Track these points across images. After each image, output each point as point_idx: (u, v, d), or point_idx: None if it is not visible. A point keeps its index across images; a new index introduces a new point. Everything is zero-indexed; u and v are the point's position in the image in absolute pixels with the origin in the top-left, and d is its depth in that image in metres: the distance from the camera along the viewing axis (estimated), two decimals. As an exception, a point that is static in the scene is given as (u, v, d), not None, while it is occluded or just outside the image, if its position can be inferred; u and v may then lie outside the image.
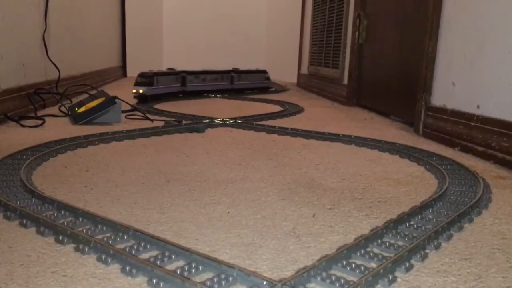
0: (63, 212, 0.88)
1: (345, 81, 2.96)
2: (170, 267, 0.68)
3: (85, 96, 2.27)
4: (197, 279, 0.66)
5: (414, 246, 0.76)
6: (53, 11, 2.41)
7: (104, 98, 1.93)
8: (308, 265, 0.70)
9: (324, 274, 0.68)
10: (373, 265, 0.72)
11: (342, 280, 0.65)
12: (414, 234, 0.83)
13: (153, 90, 2.62)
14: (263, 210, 0.96)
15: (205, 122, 1.94)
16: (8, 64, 1.91)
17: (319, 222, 0.91)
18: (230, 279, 0.65)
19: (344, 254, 0.73)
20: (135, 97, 2.57)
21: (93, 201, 0.98)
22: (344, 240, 0.82)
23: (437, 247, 0.80)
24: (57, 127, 1.79)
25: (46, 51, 2.32)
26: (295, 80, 4.16)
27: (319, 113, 2.49)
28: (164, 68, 2.98)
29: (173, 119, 1.99)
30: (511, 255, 0.79)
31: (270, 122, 2.03)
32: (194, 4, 4.73)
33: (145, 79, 2.61)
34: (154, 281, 0.64)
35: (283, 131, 1.81)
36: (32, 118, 1.87)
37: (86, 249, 0.73)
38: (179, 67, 3.01)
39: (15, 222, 0.85)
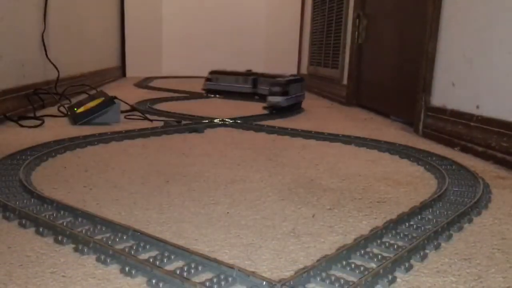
0: (62, 212, 0.88)
1: (345, 81, 2.96)
2: (170, 267, 0.68)
3: (84, 96, 2.27)
4: (197, 279, 0.66)
5: (413, 246, 0.76)
6: (52, 11, 2.41)
7: (103, 98, 1.93)
8: (308, 265, 0.70)
9: (323, 274, 0.68)
10: (373, 265, 0.72)
11: (342, 281, 0.65)
12: (414, 235, 0.83)
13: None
14: (263, 211, 0.96)
15: (205, 122, 1.94)
16: (7, 64, 1.91)
17: (319, 222, 0.90)
18: (230, 279, 0.65)
19: (343, 254, 0.73)
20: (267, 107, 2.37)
21: (92, 201, 0.98)
22: (344, 240, 0.82)
23: (437, 247, 0.80)
24: (56, 127, 1.78)
25: (45, 51, 2.32)
26: (294, 80, 4.15)
27: (318, 113, 2.49)
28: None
29: (173, 119, 1.98)
30: (510, 255, 0.79)
31: (269, 122, 2.03)
32: (193, 5, 4.73)
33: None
34: (154, 281, 0.64)
35: (283, 131, 1.81)
36: (31, 118, 1.87)
37: (86, 250, 0.73)
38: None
39: (14, 223, 0.84)
